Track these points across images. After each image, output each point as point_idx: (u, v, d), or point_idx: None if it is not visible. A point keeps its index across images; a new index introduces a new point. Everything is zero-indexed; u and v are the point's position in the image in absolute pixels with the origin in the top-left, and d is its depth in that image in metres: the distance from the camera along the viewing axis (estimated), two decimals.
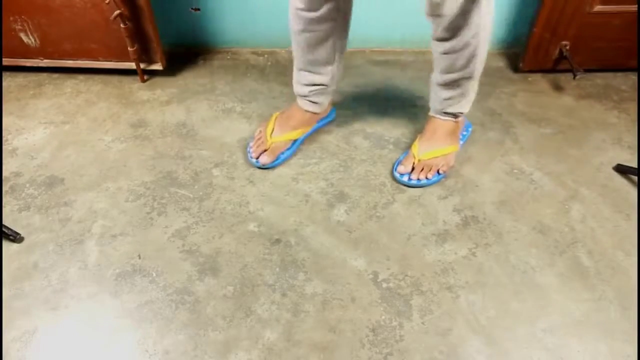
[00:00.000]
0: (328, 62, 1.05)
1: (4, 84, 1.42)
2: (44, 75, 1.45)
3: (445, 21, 0.88)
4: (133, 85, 1.41)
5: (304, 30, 0.98)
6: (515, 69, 1.47)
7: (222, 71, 1.48)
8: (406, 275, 0.90)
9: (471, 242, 0.96)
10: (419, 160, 1.07)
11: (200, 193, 1.07)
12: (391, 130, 1.24)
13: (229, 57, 1.55)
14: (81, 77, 1.44)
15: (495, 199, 1.05)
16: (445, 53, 0.95)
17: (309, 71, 1.07)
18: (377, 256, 0.93)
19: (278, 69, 1.48)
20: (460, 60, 0.94)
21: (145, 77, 1.43)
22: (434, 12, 0.87)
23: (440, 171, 1.08)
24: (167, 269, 0.91)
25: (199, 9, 1.48)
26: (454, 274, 0.90)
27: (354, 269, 0.91)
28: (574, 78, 1.34)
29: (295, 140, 1.16)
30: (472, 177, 1.11)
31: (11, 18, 1.31)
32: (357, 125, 1.25)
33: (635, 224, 0.99)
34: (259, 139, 1.15)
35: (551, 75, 1.44)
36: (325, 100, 1.15)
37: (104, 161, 1.15)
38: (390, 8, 1.47)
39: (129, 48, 1.32)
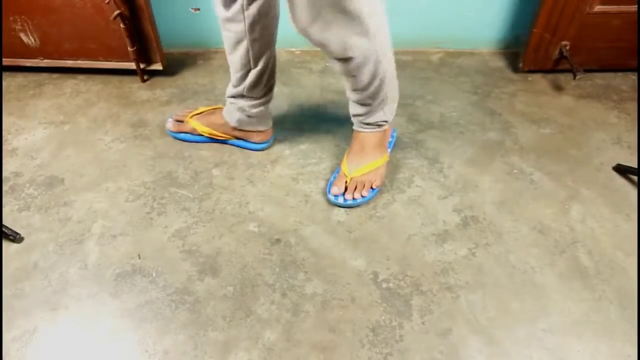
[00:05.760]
0: (242, 68, 0.99)
1: (4, 84, 1.42)
2: (44, 75, 1.45)
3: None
4: (133, 85, 1.41)
5: (222, 28, 0.96)
6: (515, 69, 1.47)
7: (222, 71, 1.48)
8: (406, 275, 0.90)
9: (471, 242, 0.96)
10: (351, 179, 1.03)
11: (200, 193, 1.07)
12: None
13: None
14: (81, 77, 1.44)
15: (495, 199, 1.05)
16: (343, 74, 0.91)
17: (232, 74, 1.04)
18: (377, 256, 0.93)
19: (278, 69, 1.48)
20: (363, 78, 0.89)
21: (145, 77, 1.43)
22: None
23: (374, 186, 1.04)
24: (167, 269, 0.91)
25: (198, 9, 1.48)
26: (454, 274, 0.90)
27: (354, 269, 0.91)
28: (574, 78, 1.34)
29: (201, 135, 1.17)
30: (472, 177, 1.11)
31: (11, 18, 1.31)
32: None
33: (635, 224, 0.99)
34: (188, 111, 1.21)
35: (551, 75, 1.45)
36: (237, 116, 1.09)
37: (103, 161, 1.15)
38: (390, 8, 1.47)
39: (128, 48, 1.32)
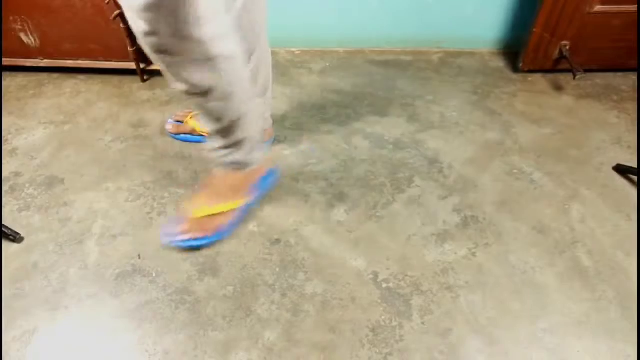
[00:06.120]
0: None
1: (4, 84, 1.42)
2: (44, 75, 1.45)
3: None
4: (133, 85, 1.41)
5: None
6: (515, 69, 1.47)
7: None
8: (406, 275, 0.90)
9: (471, 242, 0.96)
10: (192, 219, 0.93)
11: None
12: (391, 130, 1.24)
13: None
14: (81, 77, 1.44)
15: (495, 199, 1.05)
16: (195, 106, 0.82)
17: None
18: (377, 256, 0.93)
19: (278, 69, 1.48)
20: (215, 109, 0.78)
21: (145, 77, 1.43)
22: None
23: (214, 232, 0.93)
24: (167, 269, 0.91)
25: None
26: (454, 274, 0.90)
27: (354, 269, 0.91)
28: (574, 78, 1.34)
29: (200, 135, 1.16)
30: (472, 177, 1.11)
31: (11, 18, 1.31)
32: (357, 125, 1.25)
33: (635, 224, 0.99)
34: (188, 111, 1.21)
35: (551, 75, 1.44)
36: None
37: (104, 161, 1.15)
38: (389, 8, 1.47)
39: (128, 48, 1.32)
